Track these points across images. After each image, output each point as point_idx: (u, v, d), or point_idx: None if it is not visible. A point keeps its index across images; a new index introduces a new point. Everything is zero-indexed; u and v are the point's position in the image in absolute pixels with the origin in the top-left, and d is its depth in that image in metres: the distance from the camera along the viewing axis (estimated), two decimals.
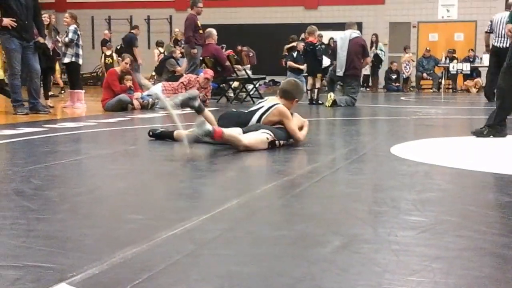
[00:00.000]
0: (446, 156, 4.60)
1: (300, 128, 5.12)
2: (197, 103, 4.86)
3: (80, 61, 10.62)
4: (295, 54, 13.97)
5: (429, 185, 3.49)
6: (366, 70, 19.61)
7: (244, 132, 4.78)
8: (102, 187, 3.47)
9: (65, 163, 4.30)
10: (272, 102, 5.10)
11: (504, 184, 3.63)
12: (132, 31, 16.01)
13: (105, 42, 19.59)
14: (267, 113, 5.00)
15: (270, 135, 4.78)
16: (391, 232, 2.37)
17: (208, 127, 4.44)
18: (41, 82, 10.03)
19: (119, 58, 13.59)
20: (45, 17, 10.82)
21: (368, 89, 19.40)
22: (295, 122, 5.08)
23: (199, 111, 4.96)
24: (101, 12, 23.63)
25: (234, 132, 4.69)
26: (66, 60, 10.46)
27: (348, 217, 2.70)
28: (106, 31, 20.64)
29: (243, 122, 5.01)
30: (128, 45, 15.13)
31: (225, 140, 4.61)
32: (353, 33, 11.04)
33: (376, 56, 19.33)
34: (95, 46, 22.06)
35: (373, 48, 19.47)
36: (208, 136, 4.46)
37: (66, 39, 10.38)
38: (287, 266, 1.97)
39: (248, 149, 4.61)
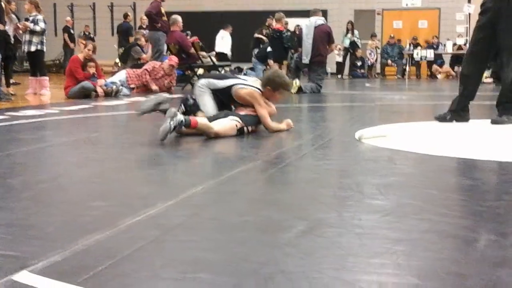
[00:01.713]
0: (409, 141, 4.64)
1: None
2: (167, 105, 4.69)
3: (45, 49, 10.57)
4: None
5: (392, 169, 3.53)
6: (339, 57, 19.69)
7: (211, 119, 4.75)
8: (65, 174, 3.43)
9: (27, 151, 4.23)
10: (253, 83, 5.16)
11: (466, 168, 3.69)
12: (126, 20, 16.08)
13: (67, 29, 19.32)
14: (242, 86, 5.05)
15: (239, 121, 4.78)
16: (355, 216, 2.40)
17: (181, 117, 4.42)
18: (2, 70, 9.87)
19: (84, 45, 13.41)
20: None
21: (339, 76, 19.44)
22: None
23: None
24: None
25: (205, 120, 4.67)
26: (33, 48, 10.37)
27: (313, 202, 2.72)
28: (68, 18, 20.34)
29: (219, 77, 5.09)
30: (126, 34, 15.30)
31: (198, 129, 4.59)
32: (318, 20, 11.05)
33: (354, 43, 19.40)
34: (58, 33, 21.71)
35: (349, 34, 19.53)
36: (184, 126, 4.43)
37: (38, 28, 10.28)
38: (251, 251, 1.97)
39: (218, 136, 4.60)
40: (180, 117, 4.43)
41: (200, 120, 4.60)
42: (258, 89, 5.07)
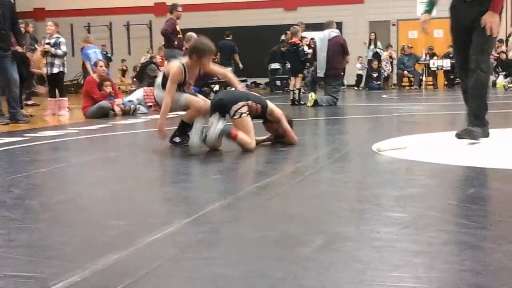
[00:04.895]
0: (427, 152, 4.61)
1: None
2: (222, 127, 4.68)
3: (66, 70, 10.71)
4: None
5: (410, 181, 3.51)
6: (361, 70, 19.63)
7: (222, 102, 4.82)
8: (83, 194, 3.45)
9: (45, 171, 4.27)
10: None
11: (484, 178, 3.66)
12: (228, 38, 17.17)
13: None
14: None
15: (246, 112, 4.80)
16: (373, 229, 2.38)
17: (223, 125, 4.48)
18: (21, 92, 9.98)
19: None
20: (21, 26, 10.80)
21: (357, 88, 19.37)
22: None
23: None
24: (80, 20, 23.50)
25: (246, 136, 4.71)
26: (55, 70, 10.48)
27: (331, 215, 2.71)
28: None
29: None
30: (231, 51, 16.79)
31: (239, 142, 4.65)
32: (332, 32, 11.05)
33: (376, 54, 19.37)
34: (75, 54, 21.92)
35: (372, 46, 19.50)
36: (225, 134, 4.47)
37: (60, 52, 10.40)
38: (270, 267, 1.97)
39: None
40: (221, 125, 4.48)
41: (241, 134, 4.64)
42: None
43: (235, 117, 4.73)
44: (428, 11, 5.30)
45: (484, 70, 4.84)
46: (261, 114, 4.99)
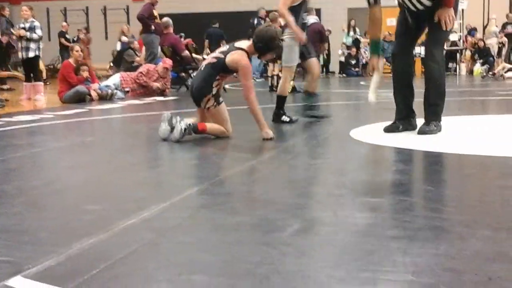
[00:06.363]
0: (403, 138, 4.64)
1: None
2: (185, 125, 4.53)
3: (41, 54, 10.59)
4: None
5: (387, 167, 3.53)
6: (341, 57, 19.62)
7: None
8: (59, 179, 3.42)
9: (21, 156, 4.22)
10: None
11: (460, 164, 3.69)
12: (215, 26, 17.70)
13: (63, 34, 19.27)
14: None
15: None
16: (350, 214, 2.39)
17: (188, 121, 4.46)
18: None
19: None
20: None
21: (340, 75, 19.39)
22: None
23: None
24: (57, 4, 23.19)
25: (215, 125, 4.68)
26: (31, 54, 10.35)
27: (308, 201, 2.72)
28: (64, 23, 20.30)
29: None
30: (219, 38, 16.92)
31: (210, 133, 4.65)
32: (311, 19, 11.03)
33: (357, 40, 19.38)
34: (51, 38, 21.67)
35: (351, 33, 19.49)
36: (191, 130, 4.47)
37: (35, 36, 10.28)
38: (247, 252, 1.97)
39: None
40: (187, 120, 4.48)
41: (209, 125, 4.61)
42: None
43: (205, 110, 4.69)
44: (375, 52, 5.04)
45: (438, 61, 4.83)
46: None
